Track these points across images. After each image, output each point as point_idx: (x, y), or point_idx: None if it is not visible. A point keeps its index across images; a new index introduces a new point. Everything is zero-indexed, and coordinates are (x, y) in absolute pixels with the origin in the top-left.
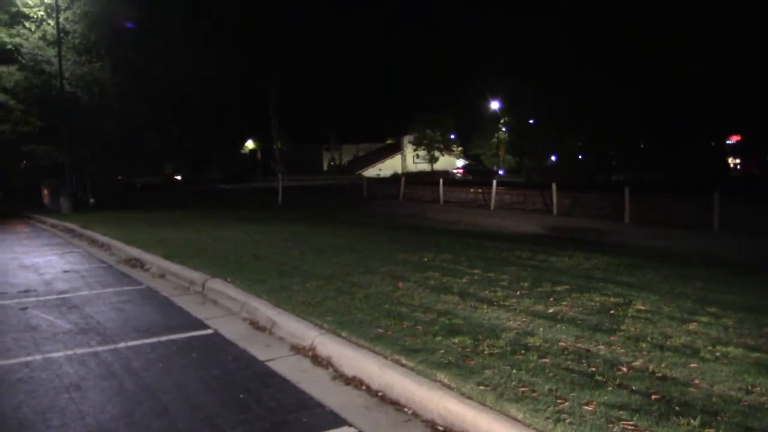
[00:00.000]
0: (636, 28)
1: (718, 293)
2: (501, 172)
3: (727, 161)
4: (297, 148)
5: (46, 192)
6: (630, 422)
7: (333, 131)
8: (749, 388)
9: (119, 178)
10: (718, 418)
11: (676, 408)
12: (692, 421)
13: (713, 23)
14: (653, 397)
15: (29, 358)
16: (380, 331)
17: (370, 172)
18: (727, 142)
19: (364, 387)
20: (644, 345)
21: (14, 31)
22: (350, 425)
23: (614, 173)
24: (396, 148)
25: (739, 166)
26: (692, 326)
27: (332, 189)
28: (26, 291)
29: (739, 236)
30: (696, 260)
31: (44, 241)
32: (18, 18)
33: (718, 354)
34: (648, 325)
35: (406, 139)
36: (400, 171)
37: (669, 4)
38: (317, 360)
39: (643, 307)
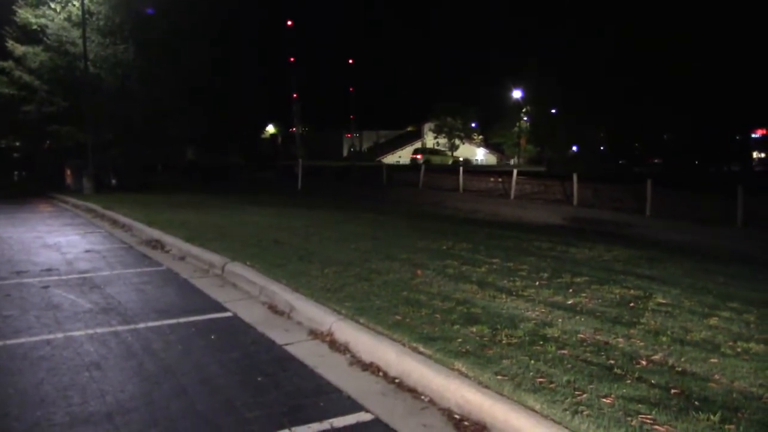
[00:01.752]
0: (658, 19)
1: (741, 288)
2: None
3: (752, 155)
4: (317, 133)
5: (69, 172)
6: (649, 416)
7: (354, 117)
8: None
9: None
10: (739, 414)
11: (696, 403)
12: (712, 416)
13: (738, 14)
14: (672, 391)
15: (51, 336)
16: (398, 318)
17: (390, 159)
18: (753, 135)
19: (381, 373)
20: (664, 339)
21: (40, 12)
22: (367, 411)
23: (636, 165)
24: (416, 136)
25: (764, 160)
26: (713, 321)
27: (351, 174)
28: (48, 270)
29: (763, 231)
30: (718, 255)
31: (66, 220)
32: None
33: (739, 350)
34: (668, 319)
35: (427, 126)
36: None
37: None
38: (335, 345)
39: (663, 301)
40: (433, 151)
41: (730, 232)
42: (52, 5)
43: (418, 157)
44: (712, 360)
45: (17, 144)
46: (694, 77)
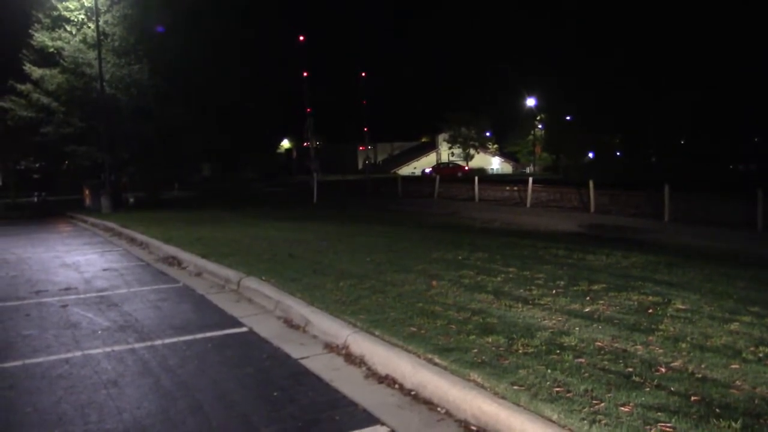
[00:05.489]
0: (676, 22)
1: (761, 293)
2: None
3: None
4: (332, 146)
5: (86, 192)
6: (668, 424)
7: (367, 129)
8: None
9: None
10: (761, 421)
11: (717, 410)
12: (733, 423)
13: (754, 17)
14: (693, 398)
15: (69, 355)
16: (413, 329)
17: (405, 170)
18: None
19: (396, 386)
20: (683, 345)
21: (56, 35)
22: (383, 424)
23: (653, 170)
24: (431, 146)
25: None
26: (734, 326)
27: (367, 186)
28: (67, 289)
29: None
30: (738, 259)
31: (85, 239)
32: (59, 22)
33: (761, 355)
34: (687, 325)
35: (441, 137)
36: None
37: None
38: (350, 358)
39: (682, 307)
40: None
41: (751, 236)
42: (68, 28)
43: None
44: (733, 366)
45: (36, 165)
46: (711, 79)
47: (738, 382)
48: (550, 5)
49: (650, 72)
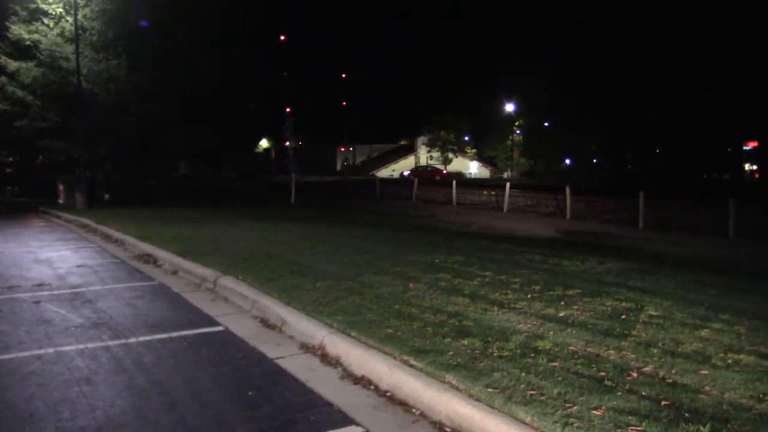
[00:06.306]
0: (654, 30)
1: (732, 300)
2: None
3: (743, 167)
4: (311, 147)
5: (61, 187)
6: (639, 428)
7: (347, 131)
8: (761, 396)
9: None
10: (729, 425)
11: (686, 414)
12: (702, 428)
13: (734, 27)
14: (663, 403)
15: (41, 351)
16: (390, 331)
17: (384, 172)
18: (744, 147)
19: (372, 387)
20: (655, 351)
21: (33, 28)
22: (358, 425)
23: (629, 177)
24: (409, 149)
25: (756, 172)
26: (704, 333)
27: (346, 187)
28: (40, 285)
29: (755, 243)
30: (710, 266)
31: (58, 235)
32: (37, 14)
33: (729, 361)
34: (659, 331)
35: (420, 140)
36: None
37: (688, 7)
38: (326, 359)
39: (655, 313)
40: None
41: (723, 244)
42: (46, 21)
43: None
44: (703, 372)
45: (10, 159)
46: (688, 89)
47: (707, 388)
48: (542, 6)
49: (645, 73)
